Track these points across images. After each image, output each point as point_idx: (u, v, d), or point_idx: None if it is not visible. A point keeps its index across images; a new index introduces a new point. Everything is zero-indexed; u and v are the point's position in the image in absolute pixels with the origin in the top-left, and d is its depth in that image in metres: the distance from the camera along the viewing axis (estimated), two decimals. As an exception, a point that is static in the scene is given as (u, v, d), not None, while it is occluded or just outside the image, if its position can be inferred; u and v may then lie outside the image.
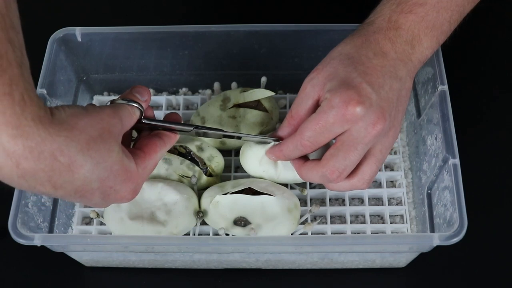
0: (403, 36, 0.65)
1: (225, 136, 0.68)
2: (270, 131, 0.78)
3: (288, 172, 0.71)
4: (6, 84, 0.45)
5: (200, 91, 0.88)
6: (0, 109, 0.44)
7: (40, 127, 0.47)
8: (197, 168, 0.74)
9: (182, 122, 0.67)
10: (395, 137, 0.65)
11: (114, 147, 0.53)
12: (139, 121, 0.60)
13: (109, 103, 0.59)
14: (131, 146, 0.64)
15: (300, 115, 0.64)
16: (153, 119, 0.63)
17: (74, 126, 0.50)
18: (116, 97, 0.59)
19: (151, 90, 0.87)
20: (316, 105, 0.63)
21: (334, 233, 0.75)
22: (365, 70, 0.62)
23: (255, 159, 0.71)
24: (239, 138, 0.69)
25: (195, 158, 0.75)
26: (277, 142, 0.68)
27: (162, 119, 0.65)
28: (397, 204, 0.78)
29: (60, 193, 0.52)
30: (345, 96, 0.60)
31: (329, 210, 0.76)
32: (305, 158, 0.67)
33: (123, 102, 0.58)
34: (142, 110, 0.60)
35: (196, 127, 0.65)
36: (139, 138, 0.63)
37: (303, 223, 0.74)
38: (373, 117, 0.61)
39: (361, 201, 0.78)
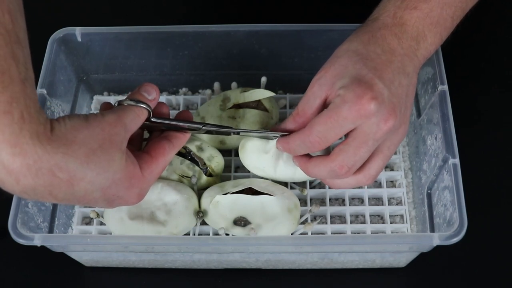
0: (409, 32, 0.65)
1: (235, 133, 0.68)
2: (270, 131, 0.78)
3: (288, 169, 0.71)
4: (7, 102, 0.45)
5: (200, 91, 0.88)
6: None
7: (38, 144, 0.47)
8: (197, 168, 0.74)
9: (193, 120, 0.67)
10: (404, 134, 0.65)
11: (116, 156, 0.54)
12: (148, 119, 0.60)
13: (117, 104, 0.59)
14: (142, 147, 0.64)
15: (306, 114, 0.64)
16: (162, 117, 0.63)
17: (73, 141, 0.50)
18: (124, 98, 0.59)
19: (151, 90, 0.87)
20: (323, 104, 0.63)
21: (334, 233, 0.75)
22: (375, 66, 0.62)
23: (255, 152, 0.71)
24: (238, 134, 0.69)
25: (195, 158, 0.75)
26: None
27: (171, 117, 0.65)
28: (397, 204, 0.78)
29: (64, 203, 0.54)
30: (359, 92, 0.60)
31: (329, 210, 0.76)
32: (309, 156, 0.67)
33: (131, 103, 0.58)
34: (149, 110, 0.60)
35: (205, 125, 0.65)
36: (150, 139, 0.63)
37: (303, 223, 0.74)
38: (385, 113, 0.61)
39: (361, 201, 0.78)
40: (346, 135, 0.63)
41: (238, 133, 0.69)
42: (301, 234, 0.74)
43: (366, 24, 0.67)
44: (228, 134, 0.68)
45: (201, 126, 0.65)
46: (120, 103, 0.59)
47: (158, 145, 0.61)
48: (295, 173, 0.71)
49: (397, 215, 0.77)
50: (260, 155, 0.71)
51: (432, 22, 0.65)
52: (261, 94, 0.78)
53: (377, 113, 0.60)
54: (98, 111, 0.84)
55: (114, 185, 0.55)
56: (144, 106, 0.59)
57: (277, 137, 0.68)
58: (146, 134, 0.67)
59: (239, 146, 0.73)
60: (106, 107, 0.62)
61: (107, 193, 0.55)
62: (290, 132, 0.66)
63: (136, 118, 0.58)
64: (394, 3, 0.66)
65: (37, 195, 0.50)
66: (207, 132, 0.66)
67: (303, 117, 0.64)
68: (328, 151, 0.67)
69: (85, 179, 0.51)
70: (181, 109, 0.86)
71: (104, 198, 0.55)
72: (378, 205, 0.78)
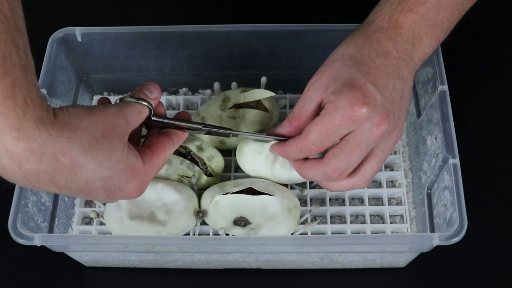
0: (404, 35, 0.65)
1: (233, 135, 0.68)
2: (270, 131, 0.78)
3: (284, 171, 0.71)
4: (9, 87, 0.45)
5: (200, 91, 0.88)
6: (2, 112, 0.45)
7: (42, 128, 0.47)
8: (197, 168, 0.74)
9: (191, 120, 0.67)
10: (398, 137, 0.65)
11: (118, 146, 0.53)
12: (148, 118, 0.60)
13: (118, 101, 0.59)
14: (141, 144, 0.64)
15: (301, 117, 0.64)
16: (163, 116, 0.63)
17: (76, 127, 0.50)
18: (125, 95, 0.59)
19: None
20: (319, 108, 0.63)
21: (334, 233, 0.75)
22: (369, 71, 0.62)
23: (252, 156, 0.71)
24: (234, 136, 0.69)
25: (195, 158, 0.75)
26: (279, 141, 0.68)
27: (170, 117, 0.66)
28: (397, 204, 0.78)
29: (64, 192, 0.53)
30: (351, 98, 0.60)
31: (329, 210, 0.76)
32: (304, 158, 0.67)
33: (132, 100, 0.58)
34: (151, 108, 0.60)
35: (205, 125, 0.65)
36: (148, 136, 0.64)
37: (303, 223, 0.74)
38: (378, 118, 0.61)
39: (361, 201, 0.78)
40: (341, 138, 0.63)
41: (237, 136, 0.69)
42: (301, 234, 0.74)
43: (362, 27, 0.67)
44: (227, 135, 0.68)
45: (200, 126, 0.65)
46: (122, 99, 0.59)
47: (158, 141, 0.61)
48: (292, 175, 0.71)
49: (397, 215, 0.77)
50: (256, 158, 0.71)
51: (428, 24, 0.65)
52: (261, 94, 0.78)
53: (370, 119, 0.60)
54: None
55: (116, 176, 0.54)
56: (145, 103, 0.59)
57: (276, 140, 0.68)
58: (144, 132, 0.68)
59: (237, 148, 0.74)
60: (103, 102, 0.62)
61: (108, 183, 0.54)
62: (287, 135, 0.67)
63: (137, 115, 0.58)
64: (390, 5, 0.66)
65: (38, 181, 0.50)
66: (207, 132, 0.66)
67: (298, 120, 0.65)
68: (324, 152, 0.67)
69: (87, 166, 0.51)
70: (181, 109, 0.86)
71: (105, 188, 0.55)
72: (378, 205, 0.78)
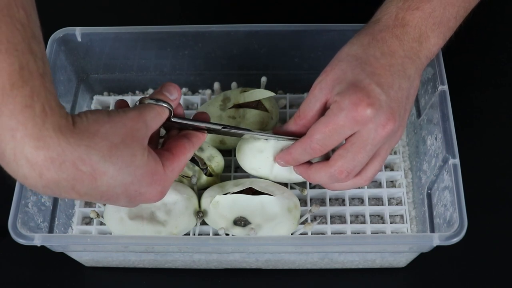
0: (411, 34, 0.65)
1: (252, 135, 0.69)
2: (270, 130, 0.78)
3: (284, 170, 0.71)
4: (28, 96, 0.45)
5: (200, 91, 0.88)
6: (21, 121, 0.45)
7: (61, 137, 0.47)
8: (197, 168, 0.74)
9: (210, 121, 0.67)
10: (401, 135, 0.66)
11: (138, 151, 0.53)
12: (168, 119, 0.60)
13: (138, 103, 0.58)
14: (159, 145, 0.64)
15: (307, 116, 0.65)
16: (182, 117, 0.63)
17: (95, 134, 0.50)
18: (145, 96, 0.59)
19: (151, 90, 0.87)
20: (324, 108, 0.63)
21: (334, 233, 0.75)
22: (374, 71, 0.62)
23: (252, 154, 0.71)
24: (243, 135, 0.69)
25: (195, 158, 0.75)
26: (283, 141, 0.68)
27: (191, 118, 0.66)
28: (397, 204, 0.78)
29: (86, 198, 0.53)
30: (355, 98, 0.60)
31: (329, 210, 0.76)
32: (309, 163, 0.68)
33: (152, 102, 0.58)
34: (171, 109, 0.59)
35: (224, 126, 0.65)
36: (167, 138, 0.63)
37: (303, 223, 0.74)
38: (383, 118, 0.61)
39: (361, 201, 0.78)
40: (346, 139, 0.63)
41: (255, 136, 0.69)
42: (301, 234, 0.74)
43: (368, 26, 0.66)
44: (241, 135, 0.68)
45: (219, 127, 0.65)
46: (141, 101, 0.58)
47: (178, 143, 0.61)
48: (291, 174, 0.71)
49: (397, 215, 0.77)
50: (256, 157, 0.71)
51: (435, 22, 0.65)
52: (261, 94, 0.78)
53: (374, 119, 0.60)
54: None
55: (137, 181, 0.54)
56: (165, 105, 0.58)
57: (285, 139, 0.68)
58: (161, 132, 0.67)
59: (236, 146, 0.74)
60: (121, 105, 0.62)
61: (129, 189, 0.54)
62: (293, 134, 0.67)
63: (157, 117, 0.57)
64: (396, 4, 0.66)
65: (60, 189, 0.50)
66: (225, 133, 0.66)
67: (304, 119, 0.65)
68: (327, 155, 0.67)
69: (107, 173, 0.51)
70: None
71: (126, 194, 0.54)
72: (378, 205, 0.78)
